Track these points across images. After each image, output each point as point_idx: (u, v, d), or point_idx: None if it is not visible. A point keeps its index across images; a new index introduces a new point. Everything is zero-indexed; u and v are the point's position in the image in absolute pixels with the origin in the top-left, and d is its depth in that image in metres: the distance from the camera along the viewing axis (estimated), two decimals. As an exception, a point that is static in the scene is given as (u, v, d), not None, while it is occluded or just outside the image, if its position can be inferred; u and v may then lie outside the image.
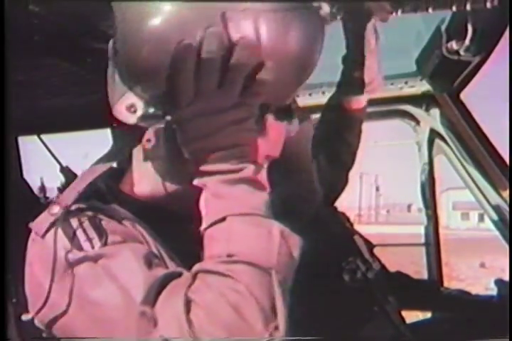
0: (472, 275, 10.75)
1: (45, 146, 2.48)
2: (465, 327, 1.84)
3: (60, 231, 0.86)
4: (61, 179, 2.51)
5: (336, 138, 1.72)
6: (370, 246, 1.76)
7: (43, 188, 2.70)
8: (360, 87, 1.60)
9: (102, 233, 0.86)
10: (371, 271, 1.60)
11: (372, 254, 1.71)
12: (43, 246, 0.86)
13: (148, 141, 0.97)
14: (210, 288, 0.74)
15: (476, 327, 1.78)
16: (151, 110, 0.87)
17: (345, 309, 1.41)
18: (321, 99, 2.34)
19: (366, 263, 1.64)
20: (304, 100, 2.30)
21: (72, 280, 0.82)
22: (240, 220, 0.80)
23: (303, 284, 0.99)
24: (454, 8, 1.27)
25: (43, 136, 2.46)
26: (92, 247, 0.84)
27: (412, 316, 2.11)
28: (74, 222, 0.87)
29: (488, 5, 1.21)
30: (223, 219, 0.80)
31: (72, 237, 0.85)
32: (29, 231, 0.94)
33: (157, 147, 0.97)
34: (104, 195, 1.00)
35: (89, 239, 0.84)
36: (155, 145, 0.97)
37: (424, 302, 2.09)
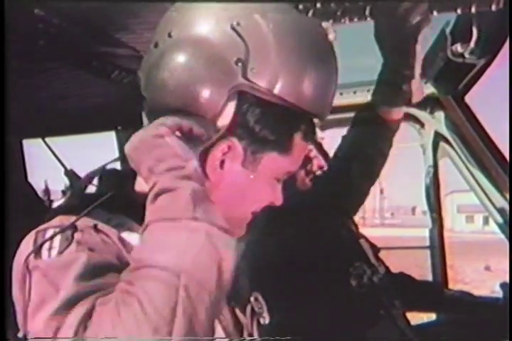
0: (477, 279, 10.72)
1: (49, 149, 2.49)
2: (468, 330, 1.84)
3: (31, 239, 0.84)
4: (65, 181, 2.53)
5: (372, 150, 1.71)
6: (376, 250, 1.76)
7: (47, 191, 2.71)
8: (405, 98, 1.57)
9: (64, 243, 0.83)
10: (377, 275, 1.60)
11: (377, 258, 1.71)
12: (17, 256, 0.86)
13: None
14: (110, 299, 0.73)
15: (479, 329, 1.78)
16: None
17: (352, 312, 1.41)
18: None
19: (372, 268, 1.64)
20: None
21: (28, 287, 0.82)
22: (160, 226, 0.78)
23: (310, 288, 0.99)
24: (459, 11, 1.27)
25: (48, 139, 2.47)
26: (49, 256, 0.81)
27: (417, 318, 2.11)
28: (49, 232, 0.85)
29: (494, 7, 1.21)
30: (146, 226, 0.79)
31: (39, 246, 0.83)
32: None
33: None
34: (115, 197, 0.99)
35: (49, 248, 0.82)
36: None
37: (428, 304, 2.09)
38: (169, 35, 0.90)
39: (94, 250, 0.83)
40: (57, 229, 0.85)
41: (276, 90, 0.87)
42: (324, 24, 0.96)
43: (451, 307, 2.06)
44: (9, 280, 0.92)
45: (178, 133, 0.84)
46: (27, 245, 0.85)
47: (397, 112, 1.62)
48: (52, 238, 0.83)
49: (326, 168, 1.82)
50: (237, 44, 0.87)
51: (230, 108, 0.88)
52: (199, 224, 0.77)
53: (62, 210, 0.97)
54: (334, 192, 1.73)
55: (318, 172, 1.82)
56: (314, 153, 1.85)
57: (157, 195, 0.79)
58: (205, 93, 0.86)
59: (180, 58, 0.87)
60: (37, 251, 0.82)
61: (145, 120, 0.96)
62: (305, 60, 0.89)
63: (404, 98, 1.56)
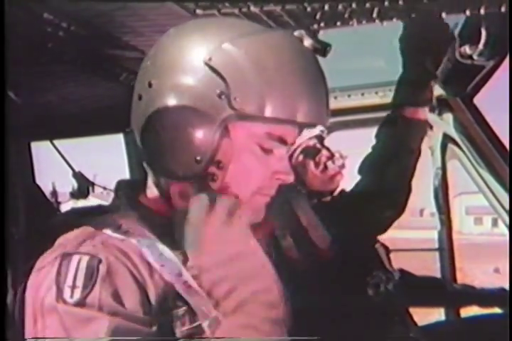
0: (486, 281, 10.64)
1: (57, 151, 2.50)
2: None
3: (54, 267, 0.84)
4: (73, 184, 2.54)
5: (404, 150, 1.72)
6: (387, 252, 1.76)
7: (54, 193, 2.72)
8: (430, 97, 1.63)
9: (88, 283, 0.83)
10: (392, 282, 1.61)
11: (390, 262, 1.72)
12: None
13: None
14: None
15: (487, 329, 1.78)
16: None
17: (367, 320, 1.41)
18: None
19: (388, 274, 1.65)
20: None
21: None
22: None
23: (327, 294, 0.99)
24: (468, 13, 1.26)
25: (56, 142, 2.48)
26: (71, 297, 0.81)
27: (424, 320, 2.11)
28: (74, 260, 0.84)
29: (503, 9, 1.21)
30: None
31: (61, 277, 0.83)
32: (40, 235, 0.94)
33: None
34: (123, 206, 0.99)
35: (73, 288, 0.82)
36: None
37: (433, 298, 2.09)
38: (149, 85, 0.92)
39: (118, 289, 0.84)
40: (83, 258, 0.84)
41: (267, 112, 0.88)
42: (296, 32, 0.96)
43: (456, 300, 2.06)
44: (9, 280, 0.92)
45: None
46: (48, 274, 0.84)
47: (423, 111, 1.64)
48: (75, 276, 0.83)
49: (337, 159, 1.83)
50: (214, 78, 0.88)
51: (227, 143, 0.90)
52: None
53: (71, 215, 0.98)
54: (366, 196, 1.75)
55: (330, 164, 1.82)
56: (319, 145, 1.86)
57: None
58: (198, 134, 0.88)
59: (166, 106, 0.89)
60: (58, 284, 0.82)
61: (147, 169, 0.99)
62: (287, 74, 0.89)
63: (429, 97, 1.59)
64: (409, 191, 1.83)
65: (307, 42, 0.94)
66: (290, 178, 0.97)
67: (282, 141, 0.94)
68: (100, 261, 0.85)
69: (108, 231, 0.91)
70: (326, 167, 1.83)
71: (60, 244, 0.90)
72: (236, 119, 0.89)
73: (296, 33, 0.95)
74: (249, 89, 0.88)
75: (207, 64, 0.88)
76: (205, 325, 0.88)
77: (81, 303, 0.82)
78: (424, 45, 1.52)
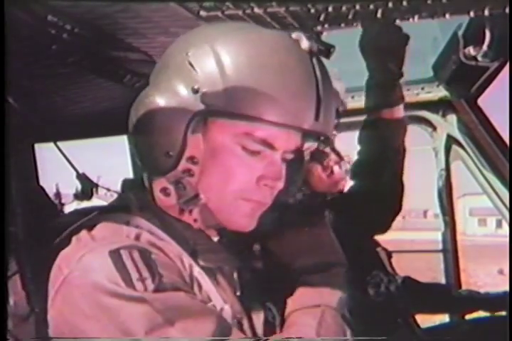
0: (490, 282, 10.62)
1: (61, 153, 2.50)
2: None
3: (109, 261, 0.85)
4: (77, 185, 2.54)
5: (390, 150, 1.73)
6: (388, 256, 1.76)
7: (58, 194, 2.72)
8: (401, 96, 1.69)
9: (154, 273, 0.85)
10: (394, 284, 1.60)
11: (391, 265, 1.72)
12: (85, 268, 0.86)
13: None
14: None
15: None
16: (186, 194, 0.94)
17: (369, 321, 1.41)
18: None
19: (389, 276, 1.64)
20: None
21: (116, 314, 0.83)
22: None
23: None
24: (472, 14, 1.26)
25: (60, 143, 2.48)
26: (145, 289, 0.83)
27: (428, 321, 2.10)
28: (124, 254, 0.86)
29: (507, 10, 1.20)
30: None
31: (123, 271, 0.84)
32: (45, 236, 0.94)
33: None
34: (132, 206, 1.00)
35: (142, 280, 0.84)
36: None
37: (438, 305, 2.09)
38: (148, 83, 0.99)
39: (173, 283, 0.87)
40: (133, 252, 0.86)
41: (237, 109, 0.88)
42: (294, 35, 0.95)
43: (461, 307, 2.06)
44: (7, 281, 0.92)
45: None
46: (103, 268, 0.85)
47: (398, 110, 1.67)
48: (138, 268, 0.85)
49: (343, 163, 1.84)
50: (192, 74, 0.90)
51: (198, 139, 0.91)
52: None
53: (76, 215, 0.98)
54: (363, 199, 1.76)
55: (336, 168, 1.82)
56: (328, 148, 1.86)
57: None
58: (169, 128, 0.90)
59: (143, 103, 0.94)
60: (126, 281, 0.84)
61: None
62: (264, 72, 0.89)
63: (400, 95, 1.62)
64: (402, 188, 1.84)
65: (304, 44, 0.94)
66: (278, 185, 0.96)
67: (267, 144, 0.93)
68: (147, 250, 0.88)
69: (125, 227, 0.93)
70: (332, 171, 1.83)
71: (89, 241, 0.91)
72: (209, 115, 0.90)
73: (294, 35, 0.95)
74: (220, 84, 0.88)
75: (188, 60, 0.91)
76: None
77: (160, 290, 0.84)
78: (382, 46, 1.55)
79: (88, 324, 0.83)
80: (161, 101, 0.91)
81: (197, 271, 0.93)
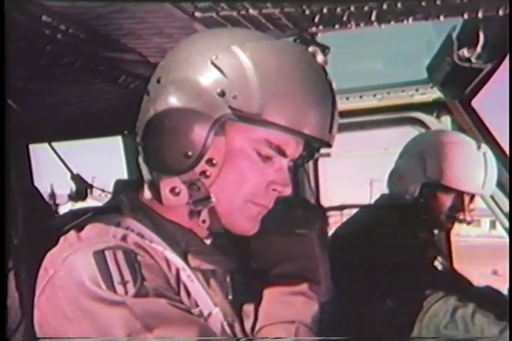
0: (484, 283, 10.64)
1: (55, 154, 2.49)
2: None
3: (92, 262, 0.85)
4: (71, 186, 2.53)
5: None
6: None
7: (53, 195, 2.72)
8: None
9: (136, 276, 0.85)
10: None
11: None
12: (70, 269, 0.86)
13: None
14: None
15: None
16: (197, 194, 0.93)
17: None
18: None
19: None
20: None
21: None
22: None
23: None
24: (466, 16, 1.26)
25: (54, 144, 2.47)
26: (126, 293, 0.83)
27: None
28: (108, 254, 0.85)
29: (501, 12, 1.21)
30: None
31: (105, 273, 0.84)
32: (39, 238, 0.94)
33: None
34: (124, 207, 0.99)
35: (124, 283, 0.83)
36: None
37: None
38: (158, 81, 0.95)
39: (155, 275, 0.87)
40: (117, 252, 0.86)
41: (265, 116, 0.88)
42: (311, 48, 0.97)
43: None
44: (9, 281, 0.92)
45: None
46: (86, 268, 0.84)
47: None
48: (120, 270, 0.85)
49: None
50: (218, 77, 0.90)
51: (220, 142, 0.91)
52: None
53: (70, 216, 0.98)
54: None
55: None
56: None
57: None
58: (191, 129, 0.89)
59: (167, 101, 0.91)
60: (107, 283, 0.83)
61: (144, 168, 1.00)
62: (290, 82, 0.91)
63: None
64: None
65: (320, 58, 0.95)
66: (287, 190, 0.97)
67: (281, 151, 0.95)
68: (133, 252, 0.88)
69: (113, 228, 0.93)
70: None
71: (77, 240, 0.91)
72: (234, 120, 0.90)
73: (310, 49, 0.96)
74: (249, 91, 0.89)
75: (212, 62, 0.90)
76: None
77: (140, 294, 0.84)
78: None
79: (69, 326, 0.83)
80: (183, 101, 0.90)
81: (186, 275, 0.93)
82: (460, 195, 1.88)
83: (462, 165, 1.86)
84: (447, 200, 1.89)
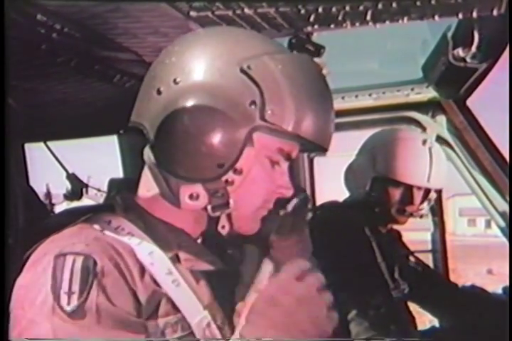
0: (479, 282, 10.66)
1: (51, 153, 2.49)
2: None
3: (51, 264, 0.83)
4: (67, 185, 2.53)
5: None
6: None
7: (48, 194, 2.71)
8: None
9: (84, 287, 0.82)
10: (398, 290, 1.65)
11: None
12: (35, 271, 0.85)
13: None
14: None
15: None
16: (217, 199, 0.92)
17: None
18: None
19: (395, 283, 1.69)
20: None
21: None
22: None
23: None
24: (461, 16, 1.27)
25: (49, 143, 2.47)
26: (68, 304, 0.81)
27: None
28: (68, 261, 0.83)
29: (495, 12, 1.22)
30: None
31: (57, 283, 0.82)
32: (36, 236, 0.94)
33: None
34: (117, 206, 0.99)
35: (70, 294, 0.81)
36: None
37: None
38: (175, 82, 0.90)
39: (111, 292, 0.83)
40: (78, 259, 0.83)
41: (300, 131, 0.89)
42: (317, 60, 0.97)
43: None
44: (9, 281, 0.92)
45: None
46: (41, 276, 0.83)
47: None
48: (71, 279, 0.82)
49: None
50: (250, 87, 0.88)
51: (249, 151, 0.90)
52: None
53: (65, 215, 0.98)
54: None
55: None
56: None
57: None
58: (224, 139, 0.88)
59: (194, 105, 0.88)
60: (54, 290, 0.81)
61: (147, 171, 0.98)
62: (317, 95, 0.92)
63: None
64: None
65: (325, 70, 0.97)
66: (290, 193, 0.98)
67: (289, 156, 0.96)
68: (95, 262, 0.84)
69: (99, 228, 0.91)
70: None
71: (51, 241, 0.89)
72: (265, 132, 0.90)
73: (316, 60, 0.97)
74: (284, 106, 0.88)
75: (244, 71, 0.88)
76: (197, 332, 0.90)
77: (78, 312, 0.81)
78: None
79: (31, 325, 0.82)
80: (219, 108, 0.87)
81: (171, 280, 0.91)
82: (409, 188, 1.92)
83: (407, 159, 1.92)
84: (396, 194, 1.93)
